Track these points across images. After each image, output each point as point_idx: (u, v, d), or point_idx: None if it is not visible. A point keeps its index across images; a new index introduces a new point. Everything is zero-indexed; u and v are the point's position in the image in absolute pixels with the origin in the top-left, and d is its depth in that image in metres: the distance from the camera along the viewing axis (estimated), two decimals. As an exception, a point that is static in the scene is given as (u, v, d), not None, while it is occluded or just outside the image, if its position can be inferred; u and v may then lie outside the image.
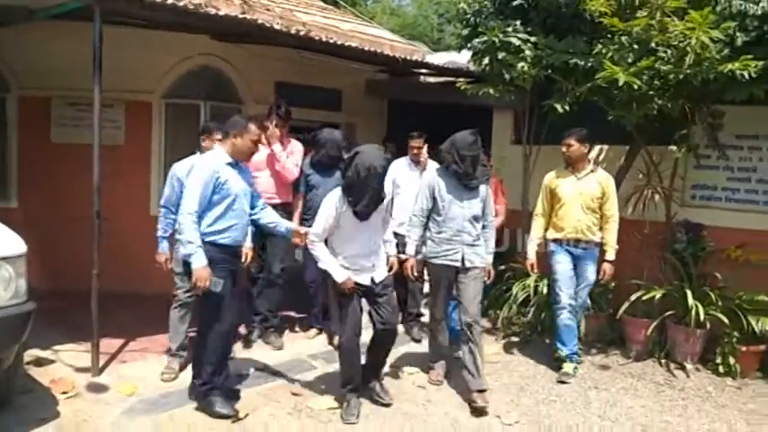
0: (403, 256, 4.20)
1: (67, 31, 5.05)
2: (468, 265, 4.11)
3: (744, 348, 4.69)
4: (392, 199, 4.60)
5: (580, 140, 4.62)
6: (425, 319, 5.11)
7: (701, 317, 4.65)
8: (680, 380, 4.64)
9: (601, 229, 4.65)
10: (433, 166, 5.12)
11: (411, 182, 5.13)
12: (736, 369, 4.68)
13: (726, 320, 4.63)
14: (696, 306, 4.67)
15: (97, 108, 4.07)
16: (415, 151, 5.29)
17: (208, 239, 3.54)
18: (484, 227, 4.22)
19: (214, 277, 3.49)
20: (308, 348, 4.91)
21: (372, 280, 3.82)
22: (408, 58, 7.10)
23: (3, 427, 3.36)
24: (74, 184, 5.63)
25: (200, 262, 3.45)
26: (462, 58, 6.76)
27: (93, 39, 4.03)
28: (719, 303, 4.76)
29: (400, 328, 4.85)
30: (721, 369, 4.72)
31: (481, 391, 3.94)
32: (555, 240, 4.72)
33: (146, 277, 5.20)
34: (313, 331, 5.23)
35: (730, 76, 4.21)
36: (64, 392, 3.83)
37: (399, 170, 5.26)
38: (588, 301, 4.89)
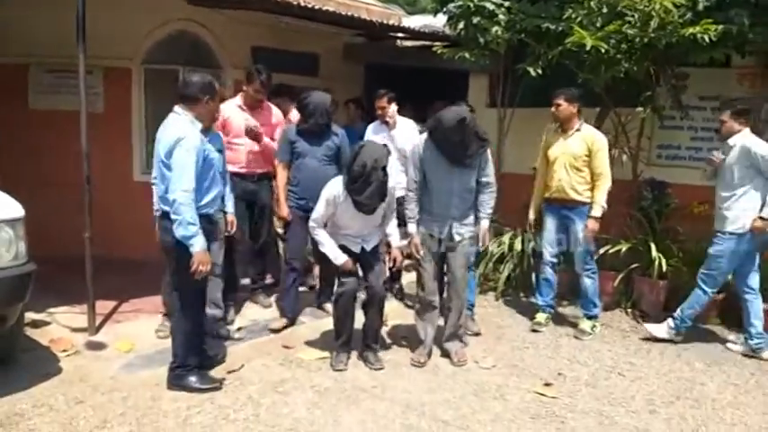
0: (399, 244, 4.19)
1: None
2: (456, 239, 4.09)
3: (703, 296, 5.02)
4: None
5: (568, 100, 4.64)
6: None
7: (664, 268, 4.98)
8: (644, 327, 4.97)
9: (593, 188, 4.64)
10: (405, 124, 5.23)
11: (380, 142, 4.97)
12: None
13: (686, 271, 4.96)
14: (659, 258, 4.98)
15: (82, 73, 4.14)
16: (380, 111, 5.18)
17: (200, 213, 3.41)
18: (481, 191, 4.14)
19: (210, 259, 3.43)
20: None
21: (363, 248, 4.03)
22: (385, 22, 7.18)
23: (11, 380, 3.53)
24: (53, 151, 5.70)
25: (201, 245, 3.34)
26: (438, 21, 6.85)
27: (77, 4, 4.07)
28: (680, 255, 5.09)
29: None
30: (682, 316, 5.07)
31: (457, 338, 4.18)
32: (546, 199, 4.88)
33: (129, 242, 5.35)
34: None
35: (692, 40, 4.43)
36: (63, 350, 4.00)
37: (369, 132, 5.28)
38: (585, 263, 4.73)
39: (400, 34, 7.70)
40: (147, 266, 4.62)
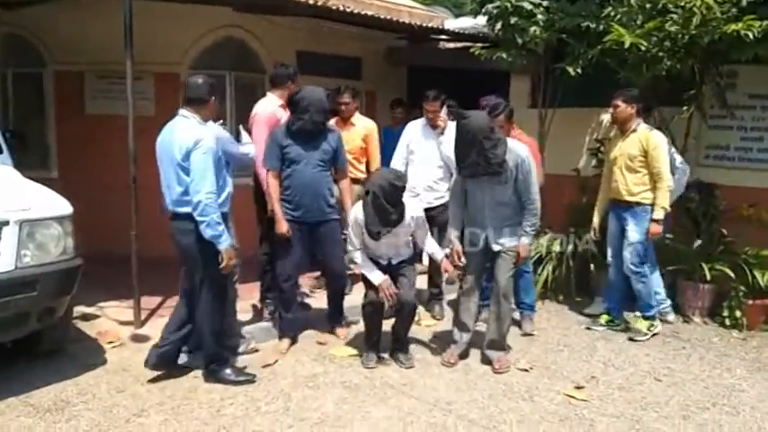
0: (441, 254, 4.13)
1: (97, 6, 5.31)
2: (495, 248, 4.01)
3: (750, 302, 4.85)
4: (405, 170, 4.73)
5: (626, 101, 4.55)
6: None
7: (707, 271, 4.83)
8: (686, 332, 4.83)
9: (652, 189, 4.50)
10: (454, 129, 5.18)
11: (427, 148, 4.88)
12: (742, 322, 4.86)
13: (732, 275, 4.80)
14: (702, 261, 4.84)
15: (129, 79, 4.36)
16: (431, 116, 4.85)
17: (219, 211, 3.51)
18: (523, 206, 3.95)
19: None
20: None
21: (390, 261, 4.09)
22: (425, 24, 7.22)
23: (59, 369, 3.78)
24: (108, 155, 5.98)
25: (229, 242, 3.49)
26: (482, 23, 6.85)
27: (125, 12, 4.29)
28: (727, 259, 4.92)
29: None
30: (728, 322, 4.91)
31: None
32: (610, 201, 4.81)
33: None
34: None
35: (736, 37, 4.30)
36: (110, 342, 4.22)
37: (414, 134, 4.98)
38: (633, 266, 4.58)
39: (442, 36, 7.72)
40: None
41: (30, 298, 3.42)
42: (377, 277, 3.95)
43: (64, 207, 3.67)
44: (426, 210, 4.66)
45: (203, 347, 3.73)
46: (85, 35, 6.08)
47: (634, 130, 4.58)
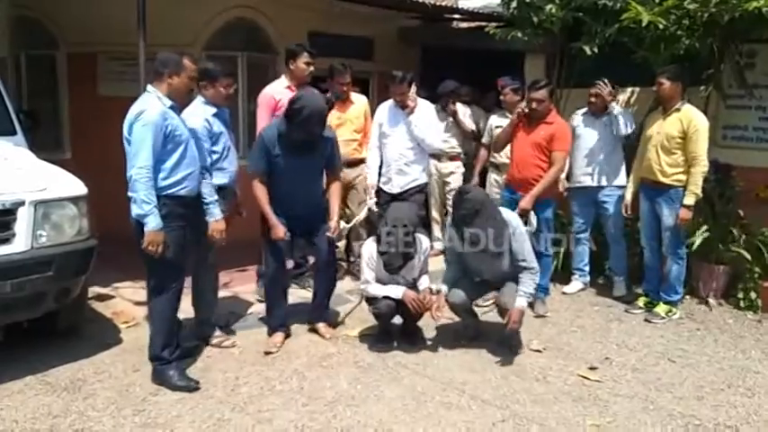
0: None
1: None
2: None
3: (766, 284, 4.81)
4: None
5: (671, 78, 4.40)
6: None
7: (721, 253, 4.78)
8: (701, 314, 4.81)
9: (685, 171, 4.42)
10: (424, 108, 4.85)
11: (397, 130, 4.86)
12: (757, 304, 4.82)
13: (748, 256, 4.75)
14: (717, 242, 4.78)
15: (142, 60, 4.36)
16: (398, 98, 4.79)
17: (165, 193, 3.29)
18: (523, 267, 3.87)
19: (168, 241, 3.28)
20: (344, 285, 5.16)
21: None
22: (439, 3, 7.13)
23: (76, 348, 3.82)
24: (120, 135, 5.96)
25: (155, 224, 3.20)
26: (496, 1, 6.77)
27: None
28: (742, 240, 4.87)
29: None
30: (743, 304, 4.88)
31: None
32: (642, 180, 4.71)
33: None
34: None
35: (757, 15, 4.20)
36: (125, 322, 4.26)
37: (384, 116, 4.91)
38: (671, 247, 4.57)
39: (456, 16, 7.62)
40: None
41: (46, 278, 3.44)
42: (398, 291, 3.90)
43: (79, 188, 3.69)
44: (399, 194, 4.67)
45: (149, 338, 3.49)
46: (98, 17, 6.06)
47: (677, 110, 4.43)
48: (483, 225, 3.77)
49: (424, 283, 4.06)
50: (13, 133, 4.34)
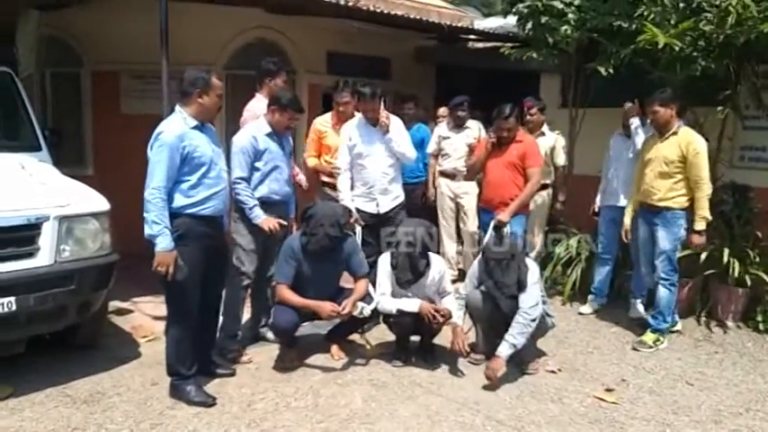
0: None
1: (133, 7, 5.44)
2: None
3: (785, 306, 4.76)
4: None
5: (663, 104, 4.32)
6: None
7: (741, 275, 4.74)
8: (719, 336, 4.76)
9: (684, 194, 4.35)
10: (394, 118, 4.62)
11: (375, 149, 4.55)
12: (776, 326, 4.76)
13: (767, 279, 4.71)
14: (735, 264, 4.75)
15: (165, 78, 4.46)
16: (370, 115, 4.45)
17: (187, 212, 3.30)
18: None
19: (180, 262, 3.27)
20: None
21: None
22: (455, 24, 7.22)
23: (95, 362, 3.88)
24: (142, 153, 6.07)
25: (164, 245, 3.20)
26: (511, 22, 6.83)
27: (160, 14, 4.38)
28: (762, 262, 4.83)
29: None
30: (762, 327, 4.82)
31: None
32: (640, 204, 4.60)
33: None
34: None
35: (773, 36, 4.22)
36: (144, 336, 4.32)
37: (356, 136, 4.55)
38: (664, 273, 4.42)
39: (471, 36, 7.71)
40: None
41: (68, 292, 3.52)
42: (413, 304, 3.92)
43: (101, 203, 3.77)
44: (385, 213, 4.62)
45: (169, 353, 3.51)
46: (121, 36, 6.22)
47: (675, 133, 4.35)
48: (515, 268, 3.86)
49: (448, 303, 4.03)
50: (39, 149, 4.46)
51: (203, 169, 3.34)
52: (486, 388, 3.72)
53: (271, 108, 4.03)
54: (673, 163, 4.31)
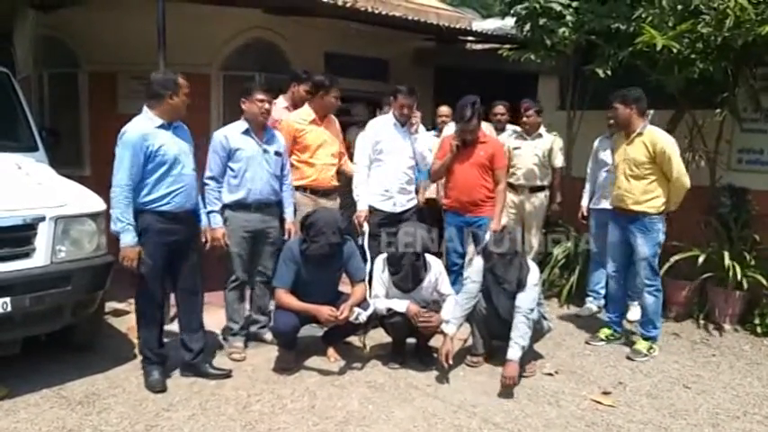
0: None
1: (130, 8, 5.42)
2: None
3: (782, 309, 4.76)
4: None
5: (624, 102, 4.20)
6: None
7: (739, 278, 4.74)
8: (716, 339, 4.76)
9: (661, 196, 4.21)
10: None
11: (400, 149, 4.60)
12: (774, 329, 4.76)
13: (765, 282, 4.71)
14: (733, 267, 4.75)
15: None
16: (406, 110, 4.51)
17: (148, 207, 3.44)
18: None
19: (143, 256, 3.43)
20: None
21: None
22: (453, 25, 7.22)
23: (90, 363, 3.87)
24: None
25: (127, 240, 3.35)
26: (510, 24, 6.83)
27: (158, 14, 4.37)
28: (759, 265, 4.83)
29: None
30: (759, 330, 4.82)
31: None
32: (613, 208, 4.50)
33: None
34: None
35: (771, 38, 4.22)
36: (139, 338, 4.25)
37: (383, 133, 4.57)
38: (647, 279, 4.30)
39: (470, 38, 7.71)
40: (212, 261, 4.83)
41: (64, 292, 3.50)
42: (402, 305, 3.92)
43: (97, 204, 3.76)
44: (400, 213, 4.64)
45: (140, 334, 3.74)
46: (119, 37, 6.19)
47: (639, 134, 4.21)
48: (517, 265, 3.87)
49: (449, 317, 3.97)
50: (35, 149, 4.44)
51: (165, 167, 3.46)
52: (501, 395, 3.67)
53: (241, 102, 4.08)
54: (642, 164, 4.18)
